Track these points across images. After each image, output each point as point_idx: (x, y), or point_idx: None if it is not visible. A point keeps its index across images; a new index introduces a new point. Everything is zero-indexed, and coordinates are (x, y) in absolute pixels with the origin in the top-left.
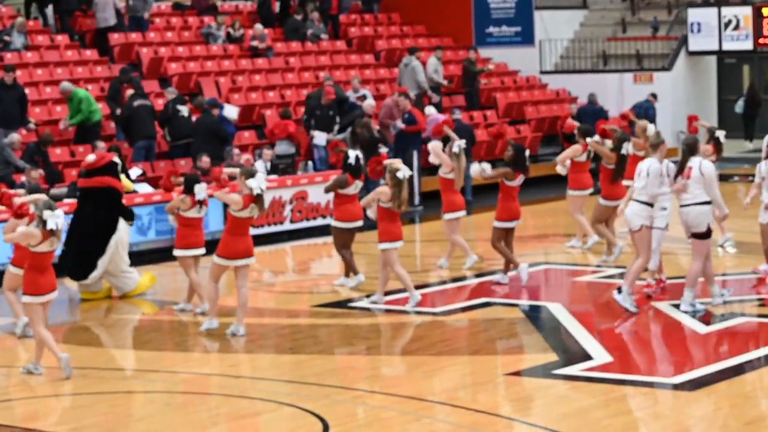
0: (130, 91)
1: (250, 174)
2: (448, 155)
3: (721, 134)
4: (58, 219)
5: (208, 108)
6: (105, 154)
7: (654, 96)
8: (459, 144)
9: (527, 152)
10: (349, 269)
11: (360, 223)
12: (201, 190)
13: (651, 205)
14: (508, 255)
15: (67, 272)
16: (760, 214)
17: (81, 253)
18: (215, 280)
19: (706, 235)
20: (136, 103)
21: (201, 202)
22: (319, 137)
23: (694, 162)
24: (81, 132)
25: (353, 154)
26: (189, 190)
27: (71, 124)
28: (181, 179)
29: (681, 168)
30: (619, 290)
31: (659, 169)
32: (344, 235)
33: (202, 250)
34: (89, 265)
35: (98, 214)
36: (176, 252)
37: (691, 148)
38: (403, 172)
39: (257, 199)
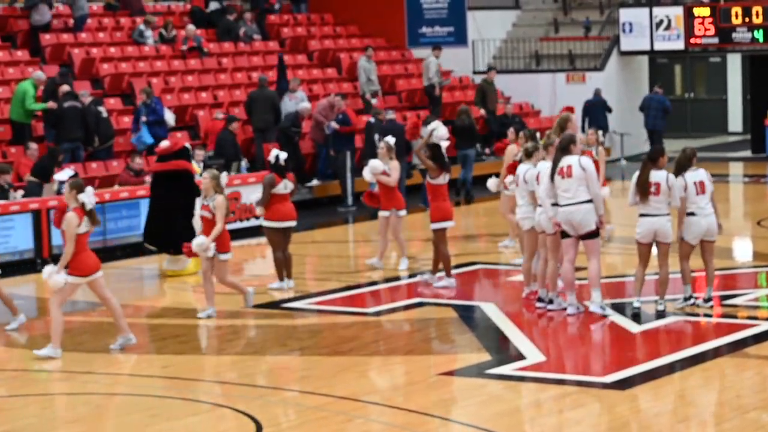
0: (65, 87)
1: (80, 188)
2: None
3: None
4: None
5: (226, 121)
6: (177, 140)
7: (660, 87)
8: None
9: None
10: (281, 272)
11: (291, 223)
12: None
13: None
14: (446, 260)
15: (160, 247)
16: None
17: (169, 226)
18: (61, 303)
19: (596, 233)
20: (67, 104)
21: None
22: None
23: (572, 160)
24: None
25: (275, 153)
26: None
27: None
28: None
29: (554, 168)
30: (551, 301)
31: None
32: (276, 235)
33: None
34: (179, 240)
35: (174, 194)
36: None
37: (564, 148)
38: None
39: (89, 214)
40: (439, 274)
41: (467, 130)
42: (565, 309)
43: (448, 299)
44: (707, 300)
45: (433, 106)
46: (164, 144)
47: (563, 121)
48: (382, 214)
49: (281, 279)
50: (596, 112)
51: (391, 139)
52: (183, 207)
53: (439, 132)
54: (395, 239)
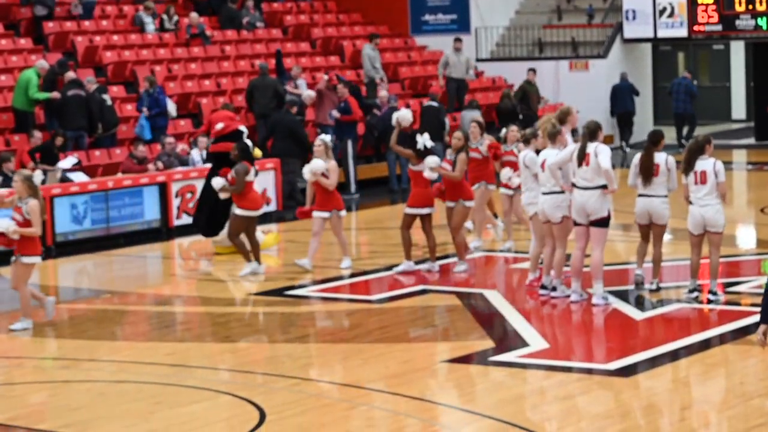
0: (70, 74)
1: None
2: None
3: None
4: None
5: (288, 107)
6: (231, 123)
7: (690, 72)
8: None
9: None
10: (255, 255)
11: (262, 210)
12: None
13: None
14: (406, 245)
15: (200, 230)
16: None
17: (213, 212)
18: None
19: (605, 222)
20: (71, 92)
21: None
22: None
23: (591, 147)
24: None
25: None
26: None
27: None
28: None
29: (582, 155)
30: (554, 288)
31: (535, 158)
32: (252, 224)
33: None
34: (219, 223)
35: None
36: None
37: (592, 133)
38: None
39: None
40: (442, 261)
41: (510, 113)
42: (568, 296)
43: (452, 286)
44: (712, 293)
45: (461, 100)
46: (218, 126)
47: (563, 114)
48: (319, 215)
49: (249, 260)
50: (623, 96)
51: (327, 137)
52: None
53: (404, 118)
54: (337, 239)
